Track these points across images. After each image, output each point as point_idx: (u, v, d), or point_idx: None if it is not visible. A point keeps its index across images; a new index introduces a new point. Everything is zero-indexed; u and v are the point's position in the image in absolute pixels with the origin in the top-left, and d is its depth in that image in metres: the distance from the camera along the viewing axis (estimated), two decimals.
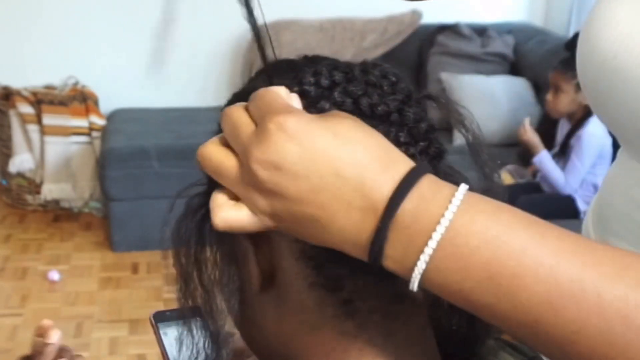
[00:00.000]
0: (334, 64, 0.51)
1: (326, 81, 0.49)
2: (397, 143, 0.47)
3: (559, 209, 2.64)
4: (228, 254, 0.53)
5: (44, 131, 3.23)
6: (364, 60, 0.54)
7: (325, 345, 0.50)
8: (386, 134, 0.47)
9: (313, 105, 0.48)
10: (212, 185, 0.50)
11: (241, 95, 0.53)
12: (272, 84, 0.49)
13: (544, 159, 2.74)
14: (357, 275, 0.48)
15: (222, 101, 0.55)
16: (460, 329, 0.54)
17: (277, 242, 0.50)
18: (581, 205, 2.69)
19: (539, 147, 2.76)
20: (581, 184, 2.69)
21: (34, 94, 3.26)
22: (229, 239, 0.51)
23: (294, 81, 0.50)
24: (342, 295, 0.49)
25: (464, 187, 0.42)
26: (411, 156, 0.47)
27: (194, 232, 0.51)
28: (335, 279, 0.49)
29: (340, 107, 0.48)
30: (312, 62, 0.54)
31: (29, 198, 3.33)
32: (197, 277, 0.52)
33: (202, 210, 0.51)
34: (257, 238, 0.50)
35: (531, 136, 2.79)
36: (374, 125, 0.47)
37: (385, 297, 0.49)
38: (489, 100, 3.30)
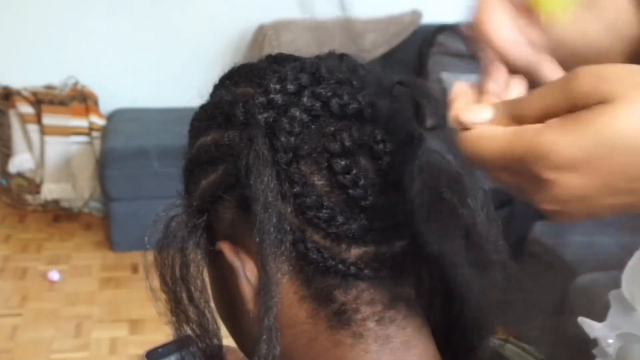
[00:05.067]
0: (299, 66, 0.50)
1: (292, 86, 0.48)
2: (374, 140, 0.47)
3: None
4: (216, 275, 0.53)
5: (44, 131, 3.23)
6: (331, 51, 0.53)
7: (322, 356, 0.49)
8: (361, 133, 0.47)
9: (283, 113, 0.47)
10: (189, 206, 0.50)
11: (208, 108, 0.53)
12: (236, 91, 0.49)
13: None
14: (348, 285, 0.48)
15: None
16: (456, 327, 0.54)
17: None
18: None
19: None
20: None
21: (34, 94, 3.26)
22: (216, 260, 0.51)
23: (259, 90, 0.48)
24: (335, 306, 0.48)
25: None
26: (390, 152, 0.47)
27: (178, 256, 0.51)
28: (325, 290, 0.48)
29: (310, 111, 0.47)
30: (276, 64, 0.52)
31: (29, 198, 3.32)
32: (187, 297, 0.51)
33: (183, 232, 0.50)
34: (243, 256, 0.49)
35: None
36: (348, 126, 0.47)
37: (378, 303, 0.49)
38: None
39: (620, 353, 0.63)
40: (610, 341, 0.60)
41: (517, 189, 0.43)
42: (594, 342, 0.64)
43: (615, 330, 0.61)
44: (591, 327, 0.61)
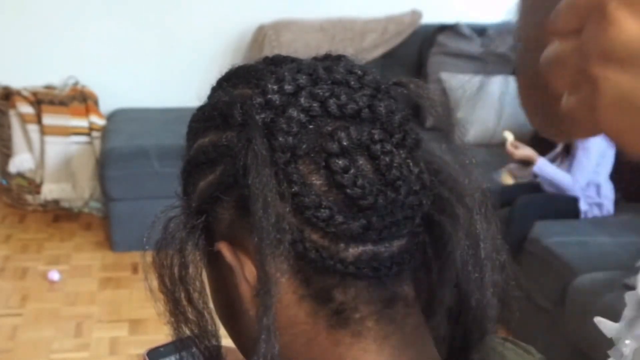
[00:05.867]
0: (297, 67, 0.50)
1: (290, 87, 0.48)
2: (372, 140, 0.47)
3: (559, 209, 2.64)
4: (215, 276, 0.53)
5: (44, 131, 3.23)
6: (327, 53, 0.53)
7: (321, 355, 0.49)
8: (359, 133, 0.47)
9: (281, 114, 0.47)
10: (187, 207, 0.50)
11: (206, 109, 0.53)
12: (233, 93, 0.49)
13: (542, 166, 2.70)
14: (346, 284, 0.48)
15: None
16: (455, 327, 0.54)
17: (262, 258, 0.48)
18: (583, 205, 2.67)
19: (534, 157, 2.70)
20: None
21: (34, 94, 3.26)
22: (215, 261, 0.51)
23: (257, 90, 0.48)
24: (333, 305, 0.48)
25: None
26: (388, 152, 0.47)
27: (176, 257, 0.51)
28: (324, 290, 0.48)
29: (307, 111, 0.47)
30: (273, 65, 0.53)
31: (29, 198, 3.33)
32: (185, 298, 0.51)
33: (181, 233, 0.50)
34: (242, 256, 0.49)
35: (521, 152, 2.73)
36: (345, 126, 0.47)
37: (377, 303, 0.49)
38: (489, 100, 3.30)
39: (637, 354, 0.63)
40: (627, 342, 0.60)
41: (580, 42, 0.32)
42: (609, 343, 0.64)
43: (632, 331, 0.60)
44: (608, 327, 0.61)
